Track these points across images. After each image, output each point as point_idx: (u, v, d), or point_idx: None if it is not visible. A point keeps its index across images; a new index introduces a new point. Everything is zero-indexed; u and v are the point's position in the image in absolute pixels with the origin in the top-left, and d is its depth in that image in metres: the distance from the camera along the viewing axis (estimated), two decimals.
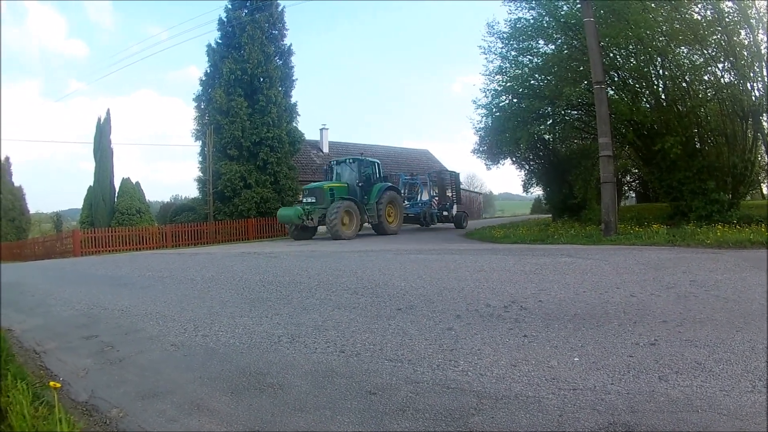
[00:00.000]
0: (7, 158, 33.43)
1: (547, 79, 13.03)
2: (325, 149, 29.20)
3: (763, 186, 15.69)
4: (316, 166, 26.58)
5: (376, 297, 4.74)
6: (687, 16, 11.56)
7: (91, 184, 24.11)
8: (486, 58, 14.73)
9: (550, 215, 19.07)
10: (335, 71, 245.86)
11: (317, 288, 5.42)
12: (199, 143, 22.88)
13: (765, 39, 11.21)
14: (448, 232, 17.52)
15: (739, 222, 9.64)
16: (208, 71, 22.45)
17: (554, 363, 2.74)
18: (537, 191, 20.93)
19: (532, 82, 13.64)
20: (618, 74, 12.98)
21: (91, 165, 31.53)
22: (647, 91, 12.63)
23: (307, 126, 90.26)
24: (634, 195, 27.19)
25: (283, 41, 23.29)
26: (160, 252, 15.27)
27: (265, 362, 3.08)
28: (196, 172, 23.58)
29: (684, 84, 11.90)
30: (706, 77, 11.89)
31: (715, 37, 11.34)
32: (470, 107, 64.69)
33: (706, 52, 11.61)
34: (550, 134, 15.97)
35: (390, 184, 17.54)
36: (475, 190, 46.72)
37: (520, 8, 13.78)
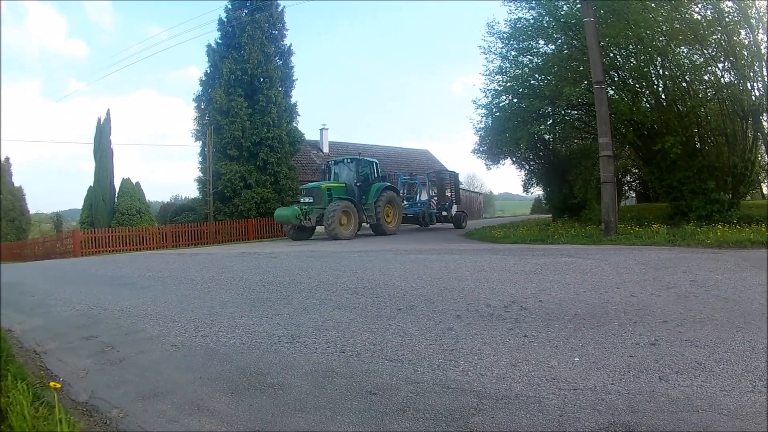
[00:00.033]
0: (7, 158, 33.54)
1: (547, 79, 13.02)
2: (326, 149, 29.22)
3: (763, 186, 15.70)
4: (316, 166, 26.58)
5: (376, 297, 4.74)
6: (687, 15, 11.56)
7: (91, 185, 24.13)
8: (486, 58, 14.75)
9: (550, 215, 19.06)
10: (335, 71, 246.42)
11: (317, 288, 5.42)
12: (199, 143, 22.93)
13: (765, 39, 11.22)
14: (447, 232, 17.52)
15: (739, 222, 9.64)
16: (208, 71, 22.46)
17: (554, 363, 2.74)
18: (537, 191, 20.94)
19: (532, 82, 13.63)
20: (618, 74, 12.98)
21: (91, 165, 31.57)
22: (647, 91, 12.63)
23: (308, 126, 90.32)
24: (634, 195, 27.20)
25: (283, 41, 23.32)
26: (160, 252, 15.27)
27: (266, 362, 3.08)
28: (196, 173, 23.63)
29: (684, 84, 11.90)
30: (706, 77, 11.89)
31: (715, 36, 11.34)
32: (470, 107, 64.72)
33: (706, 51, 11.61)
34: (550, 134, 15.96)
35: (388, 184, 17.44)
36: (475, 190, 46.74)
37: (520, 8, 13.80)
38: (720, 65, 11.78)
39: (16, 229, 31.17)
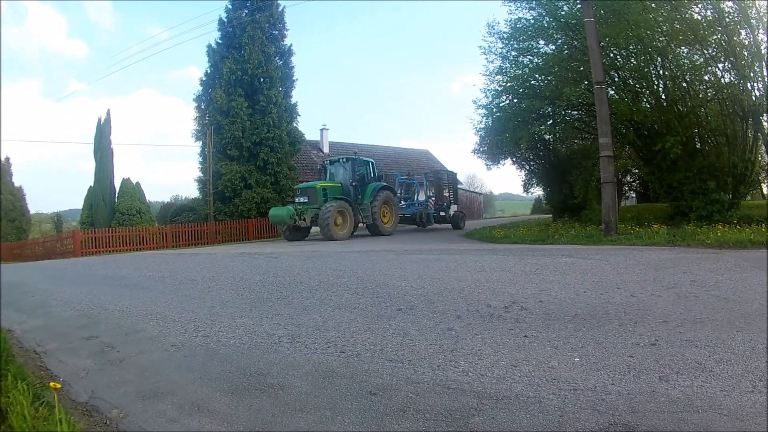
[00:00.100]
0: (8, 159, 33.51)
1: (548, 80, 13.02)
2: (326, 149, 29.21)
3: (764, 186, 15.66)
4: (316, 166, 26.60)
5: (376, 297, 4.74)
6: (687, 16, 11.56)
7: (92, 185, 24.14)
8: (486, 59, 14.73)
9: (551, 215, 19.06)
10: (335, 71, 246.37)
11: (318, 288, 5.42)
12: (199, 143, 22.95)
13: (765, 39, 11.21)
14: (447, 232, 17.51)
15: (739, 222, 9.63)
16: (209, 71, 22.48)
17: (555, 363, 2.74)
18: (537, 191, 20.84)
19: (532, 82, 13.62)
20: (618, 74, 12.97)
21: (91, 165, 31.55)
22: (647, 91, 12.63)
23: (308, 126, 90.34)
24: (634, 195, 27.18)
25: (283, 41, 23.33)
26: (161, 252, 15.26)
27: (266, 363, 3.08)
28: (197, 173, 23.66)
29: (684, 84, 11.90)
30: (706, 77, 11.88)
31: (715, 37, 11.34)
32: (470, 107, 64.84)
33: (706, 52, 11.61)
34: (550, 134, 15.93)
35: (385, 183, 17.26)
36: (476, 190, 46.74)
37: (520, 8, 13.78)
38: (720, 65, 11.78)
39: (16, 229, 31.17)
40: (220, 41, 22.40)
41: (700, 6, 11.69)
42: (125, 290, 6.53)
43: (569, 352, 2.91)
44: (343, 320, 3.97)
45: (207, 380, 2.86)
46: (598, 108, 10.22)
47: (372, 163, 17.35)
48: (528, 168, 17.77)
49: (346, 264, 7.42)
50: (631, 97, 12.45)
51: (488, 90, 14.81)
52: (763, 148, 12.46)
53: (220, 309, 4.75)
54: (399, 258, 8.02)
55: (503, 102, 14.71)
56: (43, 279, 9.05)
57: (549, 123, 14.97)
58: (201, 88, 22.63)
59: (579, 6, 11.38)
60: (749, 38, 11.37)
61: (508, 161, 16.92)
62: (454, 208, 20.86)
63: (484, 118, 15.40)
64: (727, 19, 11.11)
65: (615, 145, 11.90)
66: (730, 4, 11.44)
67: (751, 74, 11.30)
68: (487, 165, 17.40)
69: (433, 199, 20.23)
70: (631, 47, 11.90)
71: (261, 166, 21.37)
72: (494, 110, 14.82)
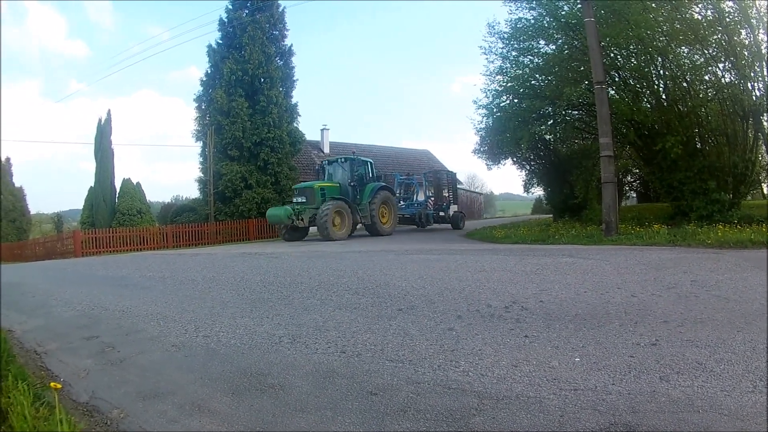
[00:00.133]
0: (8, 159, 33.52)
1: (548, 80, 13.02)
2: (326, 150, 29.20)
3: (764, 186, 15.64)
4: (316, 166, 26.59)
5: (377, 297, 4.74)
6: (687, 16, 11.56)
7: (92, 185, 24.16)
8: (486, 59, 14.73)
9: (551, 215, 19.04)
10: (335, 71, 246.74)
11: (318, 288, 5.42)
12: (199, 144, 22.95)
13: (765, 39, 11.21)
14: (447, 232, 17.50)
15: (739, 222, 9.63)
16: (209, 72, 22.48)
17: (555, 363, 2.74)
18: (538, 191, 20.81)
19: (532, 82, 13.63)
20: (619, 74, 12.97)
21: (91, 165, 31.48)
22: (648, 91, 12.62)
23: (308, 126, 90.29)
24: (635, 195, 27.18)
25: (283, 42, 23.33)
26: (161, 252, 15.27)
27: (266, 363, 3.08)
28: (197, 173, 23.67)
29: (685, 84, 11.89)
30: (706, 77, 11.87)
31: (715, 37, 11.33)
32: (470, 107, 64.91)
33: (706, 52, 11.60)
34: (550, 134, 15.93)
35: (383, 183, 17.14)
36: (476, 190, 46.72)
37: (520, 8, 13.79)
38: (720, 65, 11.78)
39: (16, 230, 31.19)
40: (220, 41, 22.41)
41: (700, 6, 11.69)
42: (126, 290, 6.53)
43: (570, 352, 2.90)
44: (343, 320, 3.97)
45: (207, 380, 2.86)
46: (599, 108, 10.22)
47: (370, 163, 17.25)
48: (528, 168, 17.77)
49: (347, 264, 7.42)
50: (631, 97, 12.45)
51: (489, 90, 14.84)
52: (764, 147, 12.46)
53: (221, 309, 4.75)
54: (400, 258, 8.02)
55: (504, 102, 14.72)
56: (44, 279, 9.05)
57: (549, 123, 14.98)
58: (201, 89, 22.64)
59: (579, 6, 11.38)
60: (749, 38, 11.37)
61: (509, 161, 16.91)
62: (453, 208, 20.79)
63: (485, 118, 15.41)
64: (728, 19, 11.11)
65: (615, 145, 11.90)
66: (730, 4, 11.45)
67: (752, 74, 11.31)
68: (487, 165, 17.41)
69: (433, 199, 20.14)
70: (631, 47, 11.90)
71: (261, 166, 21.38)
72: (495, 110, 14.83)
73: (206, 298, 5.40)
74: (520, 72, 13.88)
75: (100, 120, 24.73)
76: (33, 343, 4.05)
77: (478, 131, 16.08)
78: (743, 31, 11.37)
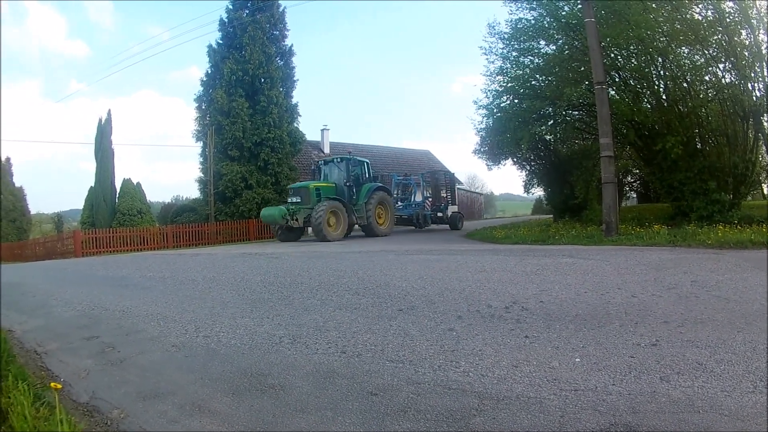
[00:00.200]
0: (8, 159, 33.55)
1: (548, 80, 13.02)
2: (326, 150, 29.20)
3: (764, 186, 15.65)
4: (313, 166, 26.57)
5: (377, 298, 4.74)
6: (688, 16, 11.56)
7: (92, 185, 24.18)
8: (487, 59, 14.73)
9: (551, 216, 19.03)
10: (336, 72, 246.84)
11: (318, 289, 5.42)
12: (200, 144, 22.99)
13: (766, 39, 11.22)
14: (447, 232, 17.49)
15: (740, 222, 9.63)
16: (209, 72, 22.52)
17: (556, 364, 2.74)
18: (538, 192, 20.78)
19: (533, 82, 13.63)
20: (619, 75, 12.97)
21: (92, 165, 31.51)
22: (648, 92, 12.62)
23: (309, 126, 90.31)
24: (635, 195, 27.17)
25: (284, 42, 23.36)
26: (161, 253, 15.27)
27: (267, 363, 3.08)
28: (197, 173, 23.71)
29: (685, 84, 11.90)
30: (707, 77, 11.88)
31: (715, 37, 11.34)
32: (470, 107, 64.84)
33: (706, 52, 11.61)
34: (551, 135, 15.94)
35: (380, 184, 16.98)
36: (476, 190, 46.74)
37: (521, 9, 13.79)
38: (721, 66, 11.78)
39: (17, 230, 31.21)
40: (220, 41, 22.44)
41: (700, 6, 11.70)
42: (126, 290, 6.53)
43: (570, 353, 2.90)
44: (344, 321, 3.97)
45: (208, 380, 2.86)
46: (599, 108, 10.22)
47: (367, 163, 17.13)
48: (529, 168, 17.75)
49: (347, 264, 7.42)
50: (631, 97, 12.46)
51: (489, 90, 14.84)
52: (764, 148, 12.46)
53: (221, 309, 4.75)
54: (400, 258, 8.02)
55: (504, 102, 14.72)
56: (44, 279, 9.05)
57: (550, 123, 14.98)
58: (202, 89, 22.68)
59: (580, 6, 11.39)
60: (750, 38, 11.38)
61: (509, 162, 16.89)
62: (453, 208, 20.69)
63: (485, 118, 15.40)
64: (728, 20, 11.12)
65: (616, 146, 11.90)
66: (730, 4, 11.46)
67: (752, 74, 11.32)
68: (487, 165, 17.39)
69: (430, 199, 19.98)
70: (631, 47, 11.91)
71: (262, 166, 21.39)
72: (495, 111, 14.82)
73: (206, 299, 5.40)
74: (521, 72, 13.89)
75: (100, 120, 24.79)
76: (33, 343, 4.05)
77: (479, 131, 16.09)
78: (743, 32, 11.39)
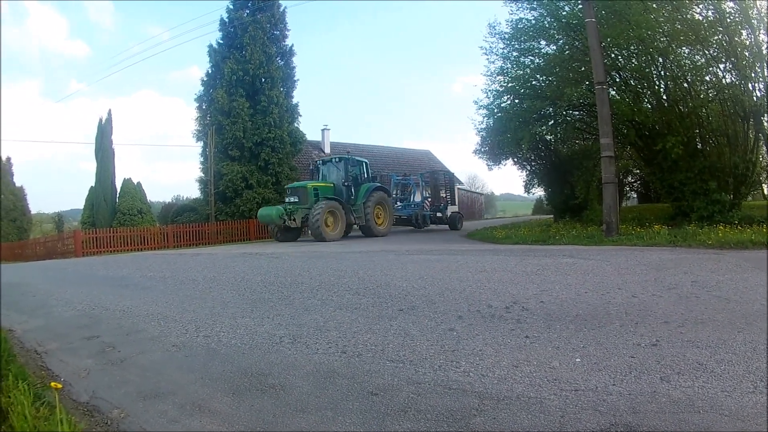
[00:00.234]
0: (8, 159, 33.58)
1: (549, 80, 13.02)
2: (327, 150, 29.19)
3: (765, 186, 15.63)
4: (311, 166, 26.54)
5: (377, 298, 4.74)
6: (688, 16, 11.56)
7: (93, 185, 24.18)
8: (487, 59, 14.73)
9: (552, 216, 19.03)
10: (336, 72, 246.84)
11: (319, 288, 5.42)
12: (200, 144, 23.00)
13: (766, 39, 11.22)
14: (447, 233, 17.48)
15: (740, 222, 9.63)
16: (210, 72, 22.52)
17: (556, 364, 2.74)
18: (538, 192, 20.76)
19: (533, 82, 13.63)
20: (619, 75, 12.97)
21: (92, 165, 31.49)
22: (649, 92, 12.62)
23: (309, 126, 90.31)
24: (635, 195, 27.16)
25: (284, 42, 23.38)
26: (162, 252, 15.27)
27: (267, 363, 3.08)
28: (198, 173, 23.72)
29: (685, 84, 11.90)
30: (707, 78, 11.88)
31: (716, 37, 11.34)
32: (471, 107, 64.78)
33: (707, 52, 11.60)
34: (551, 135, 15.92)
35: (378, 184, 16.93)
36: (477, 190, 46.73)
37: (521, 9, 13.78)
38: (721, 66, 11.78)
39: (17, 229, 31.23)
40: (221, 41, 22.45)
41: (701, 6, 11.70)
42: (126, 290, 6.53)
43: (570, 353, 2.90)
44: (344, 320, 3.97)
45: (208, 380, 2.86)
46: (600, 108, 10.22)
47: (366, 163, 17.08)
48: (529, 168, 17.74)
49: (347, 264, 7.42)
50: (632, 97, 12.45)
51: (489, 90, 14.84)
52: (764, 148, 12.46)
53: (222, 309, 4.75)
54: (400, 258, 8.02)
55: (504, 102, 14.72)
56: (44, 279, 9.06)
57: (550, 123, 14.97)
58: (202, 89, 22.69)
59: (580, 6, 11.38)
60: (750, 39, 11.38)
61: (510, 162, 16.88)
62: (453, 208, 20.65)
63: (486, 118, 15.41)
64: (728, 20, 11.11)
65: (616, 146, 11.90)
66: (731, 4, 11.45)
67: (752, 75, 11.32)
68: (488, 165, 17.39)
69: (430, 199, 19.94)
70: (632, 48, 11.90)
71: (262, 166, 21.39)
72: (495, 111, 14.82)
73: (207, 298, 5.40)
74: (521, 72, 13.89)
75: (100, 120, 24.79)
76: (33, 342, 4.06)
77: (479, 131, 16.09)
78: (744, 32, 11.39)
